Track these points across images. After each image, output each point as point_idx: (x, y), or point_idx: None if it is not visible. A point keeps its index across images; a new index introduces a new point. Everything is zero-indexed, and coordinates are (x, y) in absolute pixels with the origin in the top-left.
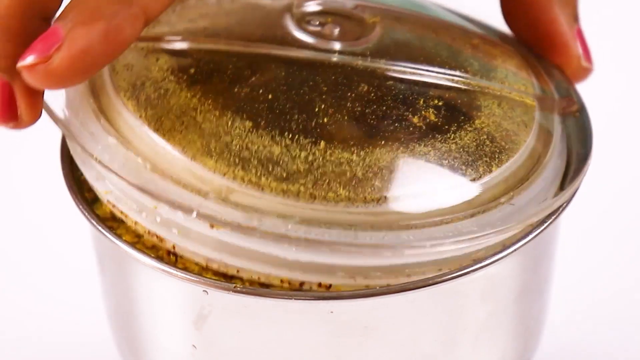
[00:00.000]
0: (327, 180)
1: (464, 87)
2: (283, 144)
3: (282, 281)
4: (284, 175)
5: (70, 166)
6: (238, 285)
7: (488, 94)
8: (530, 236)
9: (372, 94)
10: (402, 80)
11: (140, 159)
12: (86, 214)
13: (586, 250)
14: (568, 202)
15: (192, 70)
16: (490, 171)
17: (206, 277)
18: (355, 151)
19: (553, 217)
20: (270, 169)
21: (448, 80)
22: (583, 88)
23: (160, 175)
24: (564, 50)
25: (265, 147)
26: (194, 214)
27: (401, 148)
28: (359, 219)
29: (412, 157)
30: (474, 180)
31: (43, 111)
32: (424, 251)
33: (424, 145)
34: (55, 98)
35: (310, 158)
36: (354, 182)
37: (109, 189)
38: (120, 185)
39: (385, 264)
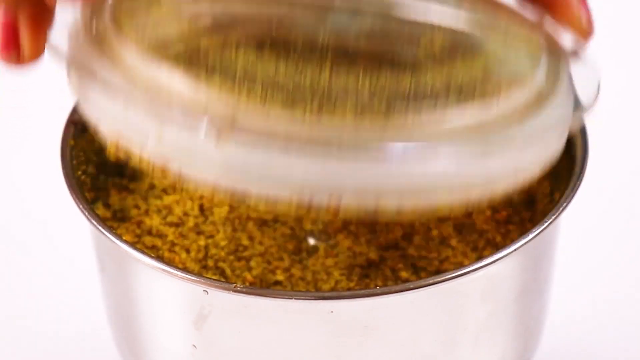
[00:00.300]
0: (333, 103)
1: (472, 23)
2: (288, 68)
3: (289, 204)
4: (290, 97)
5: (71, 166)
6: (238, 285)
7: (496, 30)
8: (531, 235)
9: (378, 29)
10: (408, 17)
11: (144, 86)
12: (86, 213)
13: (586, 250)
14: (569, 201)
15: (197, 10)
16: (498, 100)
17: (206, 277)
18: (361, 76)
19: (553, 217)
20: (275, 92)
21: (455, 16)
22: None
23: (165, 101)
24: (566, 9)
25: (270, 71)
26: (201, 133)
27: (408, 74)
28: (366, 138)
29: (419, 83)
30: (481, 105)
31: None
32: (431, 165)
33: (431, 73)
34: (58, 39)
35: (315, 82)
36: (360, 104)
37: (112, 124)
38: (125, 116)
39: (394, 182)
